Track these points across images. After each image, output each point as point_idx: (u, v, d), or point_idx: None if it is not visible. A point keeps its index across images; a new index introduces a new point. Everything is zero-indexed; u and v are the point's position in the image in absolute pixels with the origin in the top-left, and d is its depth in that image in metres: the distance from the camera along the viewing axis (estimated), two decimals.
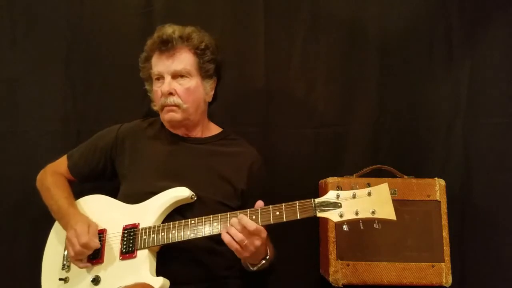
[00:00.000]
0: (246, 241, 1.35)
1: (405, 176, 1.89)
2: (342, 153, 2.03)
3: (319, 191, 1.95)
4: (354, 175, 1.90)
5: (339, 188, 1.41)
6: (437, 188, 1.82)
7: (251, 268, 1.47)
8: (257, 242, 1.37)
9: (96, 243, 1.48)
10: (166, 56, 1.59)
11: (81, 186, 1.74)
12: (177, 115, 1.60)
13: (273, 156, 1.98)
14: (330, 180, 1.83)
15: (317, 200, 1.40)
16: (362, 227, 1.37)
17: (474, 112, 2.02)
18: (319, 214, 1.38)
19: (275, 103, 2.04)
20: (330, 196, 1.39)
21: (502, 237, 1.96)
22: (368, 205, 1.36)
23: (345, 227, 1.37)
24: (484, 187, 1.98)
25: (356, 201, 1.37)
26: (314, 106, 2.05)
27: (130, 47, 2.01)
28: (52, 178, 1.70)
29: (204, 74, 1.63)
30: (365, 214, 1.35)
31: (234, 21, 2.05)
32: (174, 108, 1.59)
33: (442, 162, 2.01)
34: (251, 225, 1.35)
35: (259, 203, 1.43)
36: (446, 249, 1.78)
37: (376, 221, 1.36)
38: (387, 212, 1.35)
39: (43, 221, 1.68)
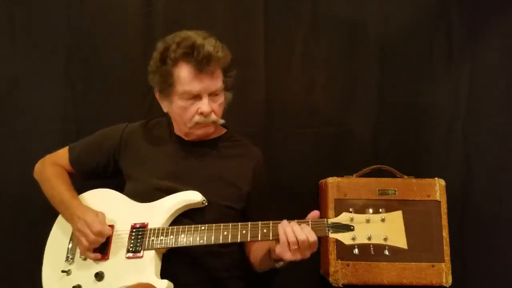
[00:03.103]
0: (296, 246, 1.34)
1: (405, 176, 1.89)
2: (342, 153, 2.03)
3: (319, 191, 1.95)
4: (354, 175, 1.90)
5: (352, 210, 1.39)
6: (437, 188, 1.82)
7: (276, 265, 1.45)
8: (308, 254, 1.37)
9: (108, 230, 1.50)
10: (205, 75, 1.51)
11: (84, 180, 1.73)
12: (211, 129, 1.61)
13: (273, 156, 1.98)
14: (330, 180, 1.83)
15: (330, 220, 1.39)
16: (372, 253, 1.36)
17: (474, 112, 2.02)
18: (331, 235, 1.37)
19: (275, 103, 2.04)
20: (344, 218, 1.38)
21: (502, 237, 1.96)
22: (381, 231, 1.35)
23: (355, 251, 1.36)
24: (484, 187, 1.99)
25: (369, 226, 1.35)
26: (314, 106, 2.05)
27: (130, 47, 2.01)
28: (52, 169, 1.70)
29: (227, 87, 1.61)
30: (377, 240, 1.34)
31: (234, 21, 2.05)
32: (211, 124, 1.58)
33: (442, 162, 2.01)
34: (312, 236, 1.35)
35: (315, 213, 1.42)
36: (446, 249, 1.78)
37: (386, 247, 1.35)
38: (399, 240, 1.35)
39: (42, 220, 1.68)
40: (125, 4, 2.04)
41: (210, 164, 1.63)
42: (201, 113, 1.55)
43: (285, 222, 1.39)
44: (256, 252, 1.60)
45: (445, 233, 1.79)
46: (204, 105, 1.54)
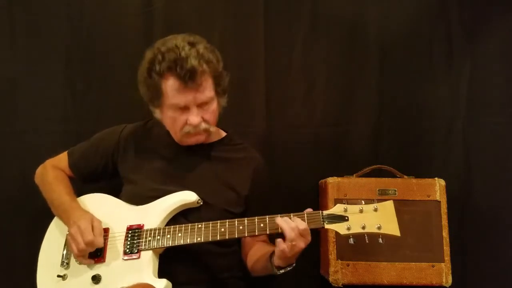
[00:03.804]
0: (295, 242, 1.36)
1: (405, 176, 1.89)
2: (342, 153, 2.03)
3: (319, 191, 1.95)
4: (354, 175, 1.90)
5: (345, 202, 1.43)
6: (437, 188, 1.82)
7: (277, 272, 1.45)
8: (302, 244, 1.37)
9: (100, 242, 1.48)
10: (190, 88, 1.48)
11: (82, 184, 1.73)
12: (202, 138, 1.59)
13: (273, 156, 1.98)
14: (330, 180, 1.83)
15: (325, 212, 1.42)
16: (367, 241, 1.40)
17: (474, 112, 2.02)
18: (327, 226, 1.41)
19: (275, 103, 2.04)
20: (338, 209, 1.42)
21: (502, 237, 1.96)
22: (374, 220, 1.39)
23: (351, 240, 1.41)
24: (484, 187, 1.99)
25: (363, 216, 1.40)
26: (314, 106, 2.05)
27: (130, 47, 2.01)
28: (54, 173, 1.70)
29: (221, 92, 1.58)
30: (371, 228, 1.39)
31: (234, 21, 2.05)
32: (201, 132, 1.56)
33: (442, 162, 2.01)
34: (302, 224, 1.37)
35: (309, 210, 1.44)
36: (446, 249, 1.78)
37: (380, 236, 1.40)
38: (392, 228, 1.39)
39: (42, 221, 1.68)
40: (125, 4, 2.04)
41: (209, 167, 1.63)
42: (190, 124, 1.53)
43: (279, 218, 1.40)
44: (252, 256, 1.61)
45: (445, 233, 1.79)
46: (192, 116, 1.51)
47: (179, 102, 1.50)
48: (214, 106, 1.56)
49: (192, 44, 1.49)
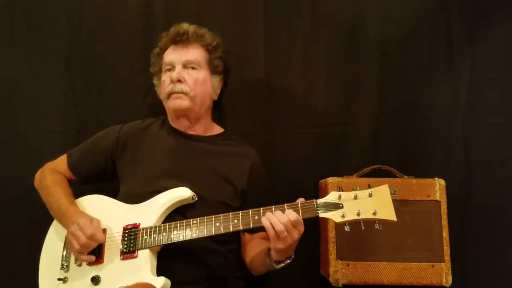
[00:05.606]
0: (285, 233, 1.35)
1: (405, 176, 1.89)
2: (342, 153, 2.03)
3: (319, 191, 1.95)
4: (354, 175, 1.90)
5: (340, 189, 1.42)
6: (437, 188, 1.82)
7: (276, 266, 1.45)
8: (295, 236, 1.37)
9: (102, 236, 1.49)
10: (180, 47, 1.66)
11: (81, 186, 1.74)
12: (184, 102, 1.63)
13: (273, 156, 1.98)
14: (330, 180, 1.83)
15: (319, 200, 1.41)
16: (363, 228, 1.39)
17: (474, 112, 2.02)
18: (321, 215, 1.39)
19: (275, 103, 2.03)
20: (332, 197, 1.41)
21: (502, 237, 1.96)
22: (369, 206, 1.37)
23: (346, 228, 1.39)
24: (484, 187, 1.98)
25: (358, 202, 1.38)
26: (314, 106, 2.05)
27: (130, 47, 2.02)
28: (52, 176, 1.70)
29: (213, 69, 1.69)
30: (366, 214, 1.37)
31: (234, 21, 2.05)
32: (181, 95, 1.62)
33: (442, 162, 2.01)
34: (293, 215, 1.36)
35: (301, 199, 1.44)
36: (446, 249, 1.78)
37: (377, 221, 1.38)
38: (388, 213, 1.37)
39: (42, 221, 1.68)
40: (125, 4, 2.04)
41: (207, 161, 1.64)
42: (171, 81, 1.62)
43: (268, 214, 1.39)
44: (250, 252, 1.62)
45: (445, 233, 1.79)
46: (173, 73, 1.62)
47: (166, 60, 1.68)
48: (200, 75, 1.65)
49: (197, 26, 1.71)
